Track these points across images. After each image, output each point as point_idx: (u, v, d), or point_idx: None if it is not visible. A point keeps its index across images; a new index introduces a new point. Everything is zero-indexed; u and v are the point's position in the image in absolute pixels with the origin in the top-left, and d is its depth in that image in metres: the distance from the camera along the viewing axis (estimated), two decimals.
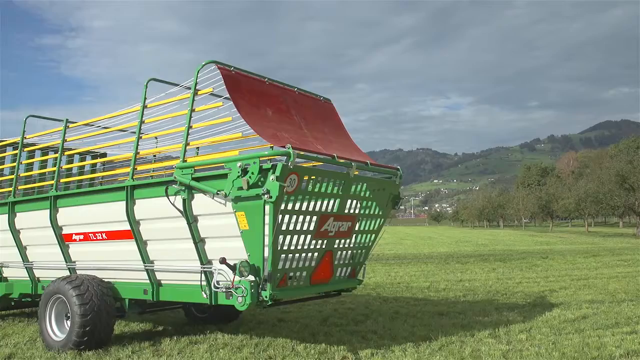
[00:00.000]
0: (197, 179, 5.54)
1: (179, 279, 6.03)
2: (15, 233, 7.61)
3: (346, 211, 6.15)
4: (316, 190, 5.68)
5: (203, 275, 5.65)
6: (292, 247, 5.55)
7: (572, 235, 52.49)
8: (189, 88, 6.12)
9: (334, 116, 7.24)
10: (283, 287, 5.45)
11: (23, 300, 8.26)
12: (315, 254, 5.92)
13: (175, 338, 6.82)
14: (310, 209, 5.67)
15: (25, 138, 7.80)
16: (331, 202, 5.94)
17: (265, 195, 4.92)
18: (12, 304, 8.69)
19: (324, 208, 5.85)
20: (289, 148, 5.07)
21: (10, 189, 7.75)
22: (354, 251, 6.60)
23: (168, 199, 5.67)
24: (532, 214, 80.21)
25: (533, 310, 8.80)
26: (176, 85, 6.24)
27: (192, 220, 5.61)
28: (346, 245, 6.39)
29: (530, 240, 41.09)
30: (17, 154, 7.88)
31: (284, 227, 5.32)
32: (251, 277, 5.17)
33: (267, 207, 5.08)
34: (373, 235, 6.74)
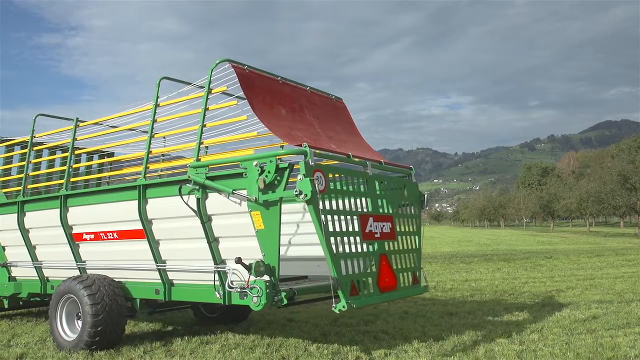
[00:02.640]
0: (212, 178, 5.50)
1: (191, 279, 5.99)
2: (24, 232, 7.58)
3: (381, 211, 6.08)
4: (343, 189, 5.59)
5: (216, 275, 5.61)
6: (347, 251, 5.40)
7: (573, 235, 52.50)
8: (201, 87, 6.11)
9: (346, 115, 7.22)
10: (355, 296, 5.27)
11: (31, 299, 8.24)
12: (372, 258, 5.77)
13: (186, 338, 6.79)
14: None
15: (34, 137, 7.76)
16: (363, 202, 5.86)
17: (300, 196, 4.86)
18: (21, 303, 8.67)
19: (358, 209, 5.76)
20: (305, 147, 5.04)
21: (20, 188, 7.73)
22: (406, 255, 6.40)
23: (182, 198, 5.64)
24: (533, 213, 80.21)
25: (542, 310, 8.77)
26: (188, 84, 6.21)
27: (206, 220, 5.57)
28: (396, 248, 6.22)
29: (532, 240, 41.10)
30: (25, 153, 7.86)
31: (330, 229, 5.17)
32: (266, 277, 5.13)
33: (282, 207, 5.04)
34: (416, 237, 6.63)
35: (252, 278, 5.11)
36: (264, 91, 5.94)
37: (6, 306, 8.44)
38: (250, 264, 5.06)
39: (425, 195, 6.88)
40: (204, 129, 5.79)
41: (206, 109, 5.69)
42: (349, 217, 5.56)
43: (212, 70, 5.61)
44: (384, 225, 5.96)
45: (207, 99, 5.69)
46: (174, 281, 6.18)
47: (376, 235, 5.83)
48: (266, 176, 5.02)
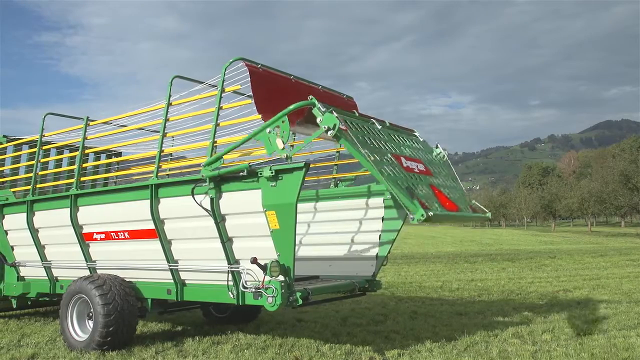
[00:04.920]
0: (226, 177, 5.48)
1: (204, 279, 5.94)
2: (33, 232, 7.54)
3: (408, 153, 5.87)
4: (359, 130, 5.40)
5: (230, 275, 5.57)
6: (396, 174, 5.14)
7: (574, 234, 52.46)
8: (213, 86, 6.08)
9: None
10: (427, 208, 4.85)
11: (40, 299, 8.20)
12: (422, 184, 5.45)
13: (197, 338, 6.75)
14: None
15: (43, 136, 7.71)
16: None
17: (330, 132, 4.81)
18: (29, 303, 8.63)
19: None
20: (312, 98, 5.04)
21: (29, 187, 7.69)
22: (452, 189, 6.09)
23: (194, 198, 5.58)
24: (534, 213, 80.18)
25: (552, 310, 8.75)
26: (201, 82, 6.18)
27: (219, 220, 5.53)
28: (439, 183, 5.91)
29: (534, 240, 41.07)
30: (34, 152, 7.81)
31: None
32: (281, 277, 5.10)
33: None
34: (452, 178, 6.38)
35: (267, 278, 5.08)
36: (276, 89, 5.90)
37: (14, 306, 8.40)
38: (266, 264, 5.03)
39: (440, 146, 6.37)
40: (217, 127, 5.74)
41: (220, 108, 5.64)
42: (382, 154, 5.30)
43: (225, 69, 5.57)
44: (417, 165, 5.73)
45: (221, 97, 5.65)
46: (186, 281, 6.14)
47: (415, 171, 5.58)
48: (282, 135, 5.02)
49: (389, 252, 6.86)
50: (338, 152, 7.50)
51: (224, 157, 5.61)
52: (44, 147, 7.96)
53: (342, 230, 7.18)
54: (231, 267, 5.54)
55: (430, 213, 4.74)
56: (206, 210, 5.55)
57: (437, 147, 6.52)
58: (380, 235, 6.85)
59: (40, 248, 7.58)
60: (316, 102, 5.01)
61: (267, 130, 5.14)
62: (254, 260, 5.08)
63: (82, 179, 7.40)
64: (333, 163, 7.54)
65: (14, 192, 8.19)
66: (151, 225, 6.11)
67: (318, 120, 4.91)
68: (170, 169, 8.00)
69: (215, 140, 5.71)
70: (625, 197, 47.93)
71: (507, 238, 45.18)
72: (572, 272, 15.46)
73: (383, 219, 6.86)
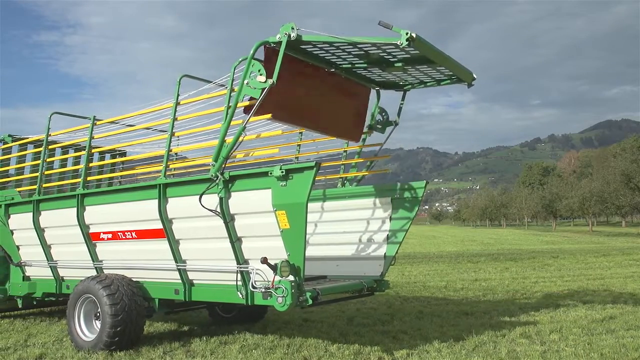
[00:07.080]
0: (234, 177, 5.47)
1: (212, 279, 5.92)
2: (39, 232, 7.51)
3: None
4: None
5: (239, 275, 5.55)
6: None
7: (575, 234, 52.51)
8: (221, 85, 6.07)
9: None
10: None
11: (46, 299, 8.18)
12: None
13: (204, 338, 6.73)
14: None
15: (49, 135, 7.68)
16: None
17: (292, 34, 5.19)
18: (34, 303, 8.61)
19: None
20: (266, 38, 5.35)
21: (34, 187, 7.67)
22: None
23: (201, 203, 5.56)
24: (534, 213, 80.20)
25: (558, 310, 8.73)
26: (209, 82, 6.16)
27: (229, 219, 5.51)
28: None
29: (536, 240, 41.10)
30: (40, 151, 7.79)
31: None
32: (291, 277, 5.09)
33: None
34: None
35: (277, 278, 5.06)
36: None
37: (20, 306, 8.37)
38: (276, 264, 5.02)
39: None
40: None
41: (229, 107, 5.62)
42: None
43: (235, 68, 5.56)
44: None
45: (230, 96, 5.64)
46: (194, 281, 6.12)
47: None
48: (260, 72, 5.28)
49: (396, 251, 6.85)
50: (345, 151, 7.49)
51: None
52: (50, 147, 7.94)
53: (350, 230, 7.17)
54: (240, 267, 5.52)
55: (414, 34, 4.94)
56: (215, 212, 5.52)
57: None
58: (388, 235, 6.84)
59: (46, 248, 7.55)
60: (269, 40, 5.34)
61: (245, 82, 5.38)
62: (264, 260, 5.07)
63: (88, 178, 7.37)
64: (340, 162, 7.54)
65: (19, 191, 8.17)
66: (159, 225, 6.09)
67: (277, 37, 5.25)
68: (175, 169, 7.99)
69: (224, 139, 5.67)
70: (627, 197, 47.95)
71: (508, 238, 45.23)
72: (575, 272, 15.43)
73: (391, 218, 6.85)
